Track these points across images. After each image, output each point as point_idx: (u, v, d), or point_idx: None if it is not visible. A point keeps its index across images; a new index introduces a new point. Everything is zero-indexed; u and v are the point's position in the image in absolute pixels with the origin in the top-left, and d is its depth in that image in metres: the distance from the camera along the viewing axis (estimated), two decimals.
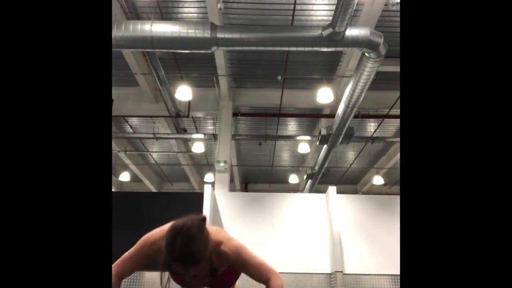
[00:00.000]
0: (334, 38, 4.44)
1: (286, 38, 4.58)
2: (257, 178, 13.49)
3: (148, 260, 1.85)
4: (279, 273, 1.84)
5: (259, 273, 1.79)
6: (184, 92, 6.66)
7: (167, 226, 1.75)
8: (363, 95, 5.65)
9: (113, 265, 1.82)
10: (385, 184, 12.28)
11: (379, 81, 6.56)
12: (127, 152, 10.33)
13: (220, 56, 6.36)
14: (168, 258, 1.58)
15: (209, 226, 1.76)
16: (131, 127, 9.59)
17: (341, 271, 5.28)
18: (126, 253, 1.87)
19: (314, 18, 5.89)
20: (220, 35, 4.52)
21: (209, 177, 11.83)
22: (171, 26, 4.56)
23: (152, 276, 5.33)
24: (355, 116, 6.66)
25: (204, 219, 1.69)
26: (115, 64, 6.75)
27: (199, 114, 8.45)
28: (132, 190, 13.05)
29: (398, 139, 8.66)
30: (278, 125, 9.03)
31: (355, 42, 4.53)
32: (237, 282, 2.20)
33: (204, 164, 11.76)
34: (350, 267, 5.47)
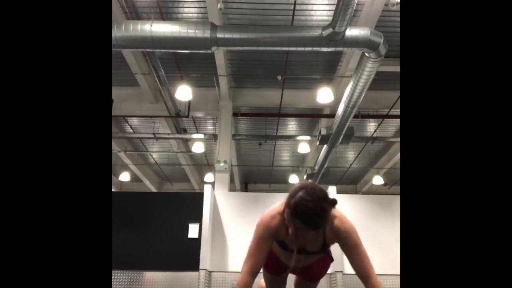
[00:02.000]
0: (334, 38, 4.44)
1: (286, 38, 4.58)
2: (257, 178, 13.47)
3: (273, 239, 1.83)
4: None
5: (363, 264, 1.78)
6: (184, 92, 6.66)
7: (278, 204, 1.81)
8: (363, 95, 5.65)
9: (244, 265, 1.79)
10: (385, 184, 12.27)
11: (379, 81, 6.55)
12: (127, 152, 10.32)
13: (220, 56, 6.35)
14: (293, 218, 1.60)
15: None
16: (131, 127, 9.59)
17: (341, 271, 5.28)
18: (250, 247, 1.83)
19: (314, 18, 5.89)
20: (220, 35, 4.52)
21: (209, 177, 11.82)
22: (171, 26, 4.56)
23: (152, 276, 5.33)
24: (355, 116, 6.65)
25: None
26: (115, 64, 6.74)
27: (199, 114, 8.44)
28: (132, 190, 13.03)
29: (398, 139, 8.66)
30: (278, 125, 9.02)
31: (355, 42, 4.53)
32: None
33: (204, 164, 11.75)
34: (350, 267, 5.46)
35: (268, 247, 1.83)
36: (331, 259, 2.13)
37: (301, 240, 1.74)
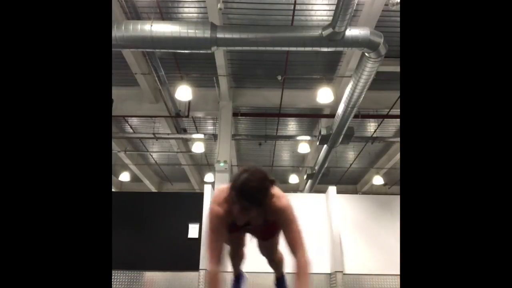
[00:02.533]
0: (334, 38, 4.44)
1: (286, 38, 4.58)
2: None
3: (226, 223, 1.97)
4: None
5: (295, 238, 1.90)
6: (184, 92, 6.65)
7: (219, 191, 1.99)
8: (363, 95, 5.65)
9: (208, 256, 1.92)
10: (385, 184, 12.27)
11: (379, 81, 6.55)
12: (127, 152, 10.32)
13: (220, 56, 6.35)
14: (239, 198, 1.75)
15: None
16: (131, 127, 9.59)
17: (341, 271, 5.27)
18: (208, 238, 1.98)
19: (314, 18, 5.89)
20: (220, 35, 4.52)
21: (209, 177, 11.82)
22: (171, 26, 4.56)
23: (152, 276, 5.33)
24: (355, 116, 6.65)
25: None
26: (115, 64, 6.74)
27: (199, 114, 8.44)
28: (132, 190, 13.03)
29: (398, 139, 8.66)
30: (278, 125, 9.02)
31: (355, 42, 4.53)
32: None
33: (204, 164, 11.75)
34: (350, 267, 5.47)
35: (224, 232, 1.99)
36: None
37: (245, 218, 1.89)
